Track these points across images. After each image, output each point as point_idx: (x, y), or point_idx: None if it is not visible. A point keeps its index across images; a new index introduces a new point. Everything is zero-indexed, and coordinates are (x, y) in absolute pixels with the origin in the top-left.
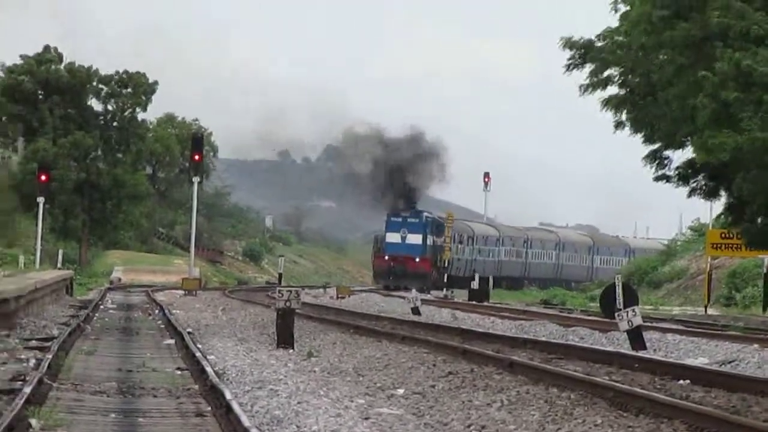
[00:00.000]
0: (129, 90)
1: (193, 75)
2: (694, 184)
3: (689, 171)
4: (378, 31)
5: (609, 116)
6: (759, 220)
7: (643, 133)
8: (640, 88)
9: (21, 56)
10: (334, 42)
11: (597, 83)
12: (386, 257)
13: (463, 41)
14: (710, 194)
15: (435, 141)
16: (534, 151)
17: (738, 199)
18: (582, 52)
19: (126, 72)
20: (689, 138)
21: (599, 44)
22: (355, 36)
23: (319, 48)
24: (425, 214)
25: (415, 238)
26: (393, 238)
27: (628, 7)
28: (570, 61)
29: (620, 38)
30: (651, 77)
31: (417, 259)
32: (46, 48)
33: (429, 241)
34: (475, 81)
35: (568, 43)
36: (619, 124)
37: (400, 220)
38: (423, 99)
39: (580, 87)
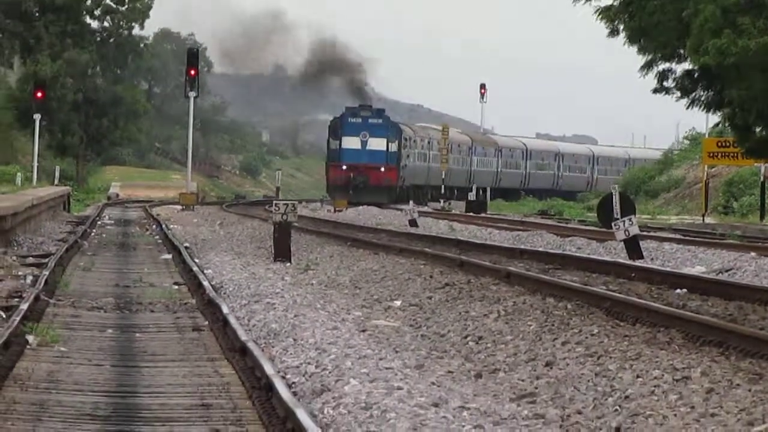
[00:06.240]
0: (125, 7)
1: None
2: (694, 95)
3: (688, 82)
4: None
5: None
6: (757, 128)
7: (637, 44)
8: None
9: None
10: None
11: None
12: (344, 167)
13: None
14: (710, 106)
15: None
16: (532, 61)
17: (733, 105)
18: None
19: None
20: (684, 47)
21: None
22: None
23: None
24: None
25: (378, 143)
26: (351, 143)
27: None
28: None
29: None
30: None
31: (382, 169)
32: None
33: (393, 148)
34: None
35: None
36: (612, 32)
37: (359, 121)
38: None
39: None
